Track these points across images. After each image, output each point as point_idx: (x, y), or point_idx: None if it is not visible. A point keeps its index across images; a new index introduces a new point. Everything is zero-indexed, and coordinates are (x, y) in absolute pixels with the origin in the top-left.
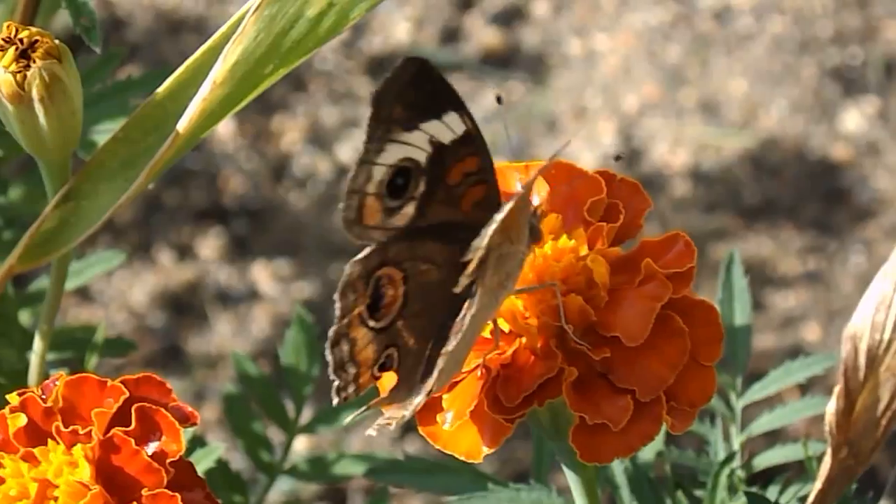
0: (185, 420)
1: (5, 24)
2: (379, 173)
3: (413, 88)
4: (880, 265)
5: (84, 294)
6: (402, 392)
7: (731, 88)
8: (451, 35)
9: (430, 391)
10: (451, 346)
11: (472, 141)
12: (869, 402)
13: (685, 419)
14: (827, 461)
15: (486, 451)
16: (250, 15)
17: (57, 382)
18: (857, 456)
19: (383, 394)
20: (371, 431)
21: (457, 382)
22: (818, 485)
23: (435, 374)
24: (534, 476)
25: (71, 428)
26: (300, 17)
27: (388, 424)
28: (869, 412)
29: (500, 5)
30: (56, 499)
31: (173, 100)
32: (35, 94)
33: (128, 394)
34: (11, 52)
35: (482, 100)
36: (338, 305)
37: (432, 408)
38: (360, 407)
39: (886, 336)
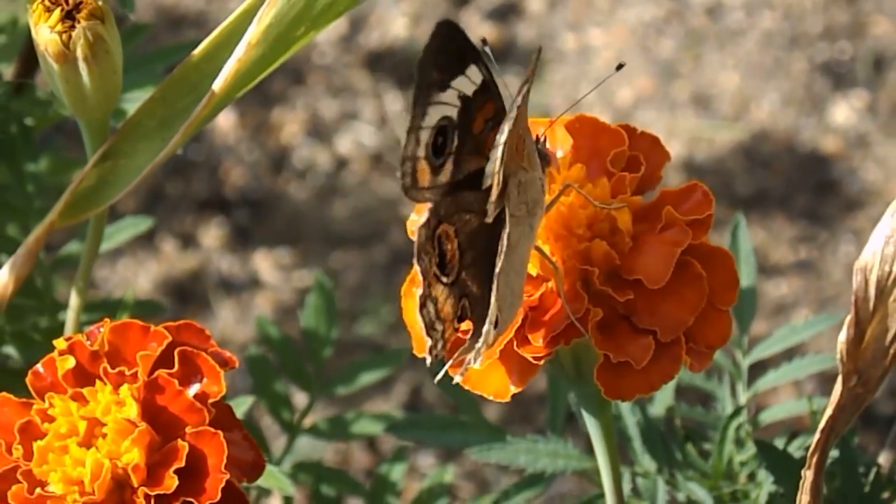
0: (224, 364)
1: None
2: (425, 136)
3: (444, 51)
4: None
5: (51, 292)
6: (476, 334)
7: (724, 82)
8: None
9: (495, 321)
10: (497, 268)
11: (488, 87)
12: (878, 332)
13: (703, 360)
14: (838, 389)
15: (513, 389)
16: None
17: (101, 329)
18: (866, 384)
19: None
20: (457, 378)
21: None
22: (829, 412)
23: (493, 302)
24: (548, 429)
25: (118, 369)
26: None
27: (464, 362)
28: (878, 341)
29: (496, 1)
30: (104, 436)
31: (208, 61)
32: (80, 53)
33: (170, 338)
34: (57, 12)
35: None
36: (417, 270)
37: (456, 350)
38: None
39: (895, 268)
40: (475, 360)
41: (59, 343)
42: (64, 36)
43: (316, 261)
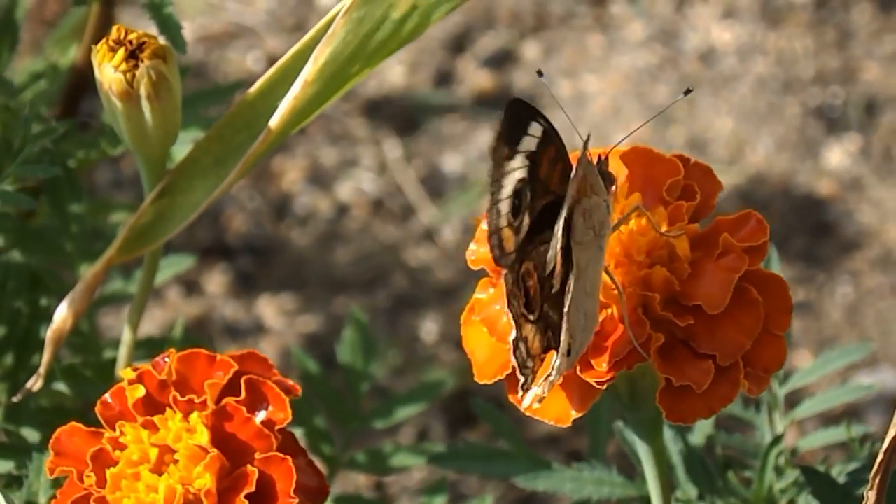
0: (289, 392)
1: (115, 28)
2: (504, 207)
3: (508, 127)
4: (867, 295)
5: (96, 330)
6: (560, 365)
7: (718, 127)
8: (444, 78)
9: (567, 350)
10: (567, 300)
11: (547, 134)
12: None
13: (760, 383)
14: (893, 430)
15: (574, 414)
16: (340, 17)
17: (167, 359)
18: None
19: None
20: (535, 404)
21: (547, 350)
22: (892, 432)
23: (563, 330)
24: (589, 459)
25: (187, 397)
26: (386, 20)
27: (545, 384)
28: None
29: (492, 49)
30: (176, 462)
31: (263, 99)
32: (143, 91)
33: (236, 367)
34: (121, 52)
35: (477, 139)
36: (510, 316)
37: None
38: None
39: None
40: (547, 388)
41: (128, 373)
42: (128, 75)
43: (319, 306)
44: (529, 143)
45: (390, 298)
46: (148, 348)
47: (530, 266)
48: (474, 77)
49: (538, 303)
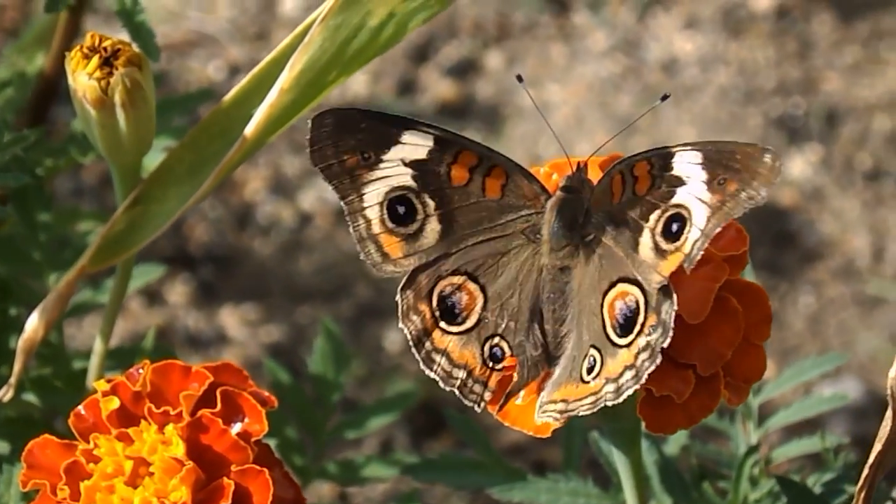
0: (264, 403)
1: (89, 34)
2: (373, 214)
3: (346, 134)
4: (829, 305)
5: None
6: (524, 374)
7: (681, 136)
8: (407, 87)
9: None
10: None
11: (448, 142)
12: None
13: (741, 393)
14: (887, 424)
15: (555, 425)
16: (317, 25)
17: (141, 370)
18: None
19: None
20: (546, 417)
21: None
22: (878, 447)
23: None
24: (564, 469)
25: (162, 409)
26: (363, 27)
27: (562, 413)
28: None
29: (455, 58)
30: (151, 475)
31: (237, 107)
32: (118, 99)
33: (212, 378)
34: (95, 59)
35: None
36: (408, 332)
37: (504, 387)
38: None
39: None
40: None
41: (101, 384)
42: (102, 82)
43: (282, 316)
44: (407, 152)
45: (354, 308)
46: (117, 359)
47: (460, 279)
48: (437, 86)
49: (474, 316)
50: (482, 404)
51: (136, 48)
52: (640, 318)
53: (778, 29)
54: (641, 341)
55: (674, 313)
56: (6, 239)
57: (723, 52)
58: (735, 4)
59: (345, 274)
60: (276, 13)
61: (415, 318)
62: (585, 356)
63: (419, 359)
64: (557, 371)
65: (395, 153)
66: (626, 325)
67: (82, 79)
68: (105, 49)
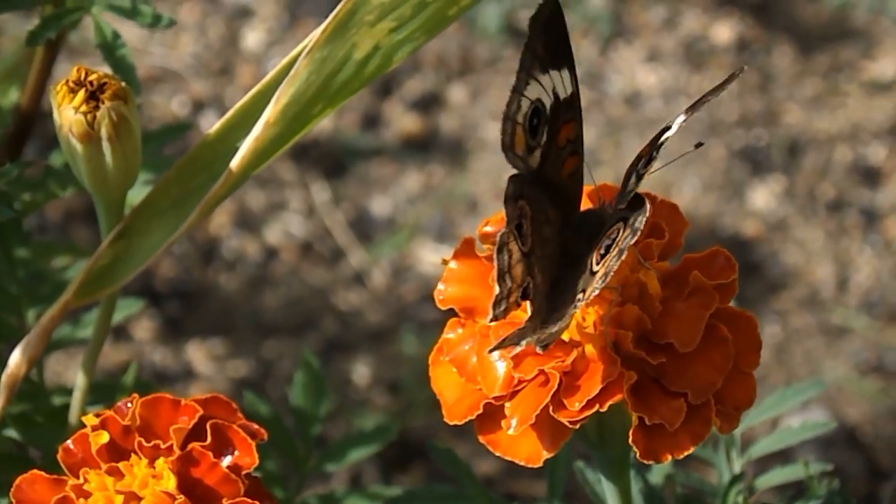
0: (254, 436)
1: (75, 68)
2: (525, 105)
3: (549, 30)
4: (795, 335)
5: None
6: (532, 323)
7: None
8: (371, 121)
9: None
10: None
11: (574, 105)
12: None
13: (731, 421)
14: None
15: (545, 455)
16: (303, 58)
17: (129, 404)
18: None
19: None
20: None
21: (518, 391)
22: None
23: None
24: (549, 498)
25: (153, 443)
26: (348, 60)
27: (539, 344)
28: None
29: (418, 92)
30: None
31: (222, 141)
32: (104, 132)
33: (201, 411)
34: (81, 93)
35: (405, 182)
36: (506, 212)
37: (494, 415)
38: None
39: None
40: (544, 344)
41: (90, 419)
42: (89, 116)
43: (249, 350)
44: (558, 83)
45: (321, 342)
46: (96, 394)
47: (527, 210)
48: (401, 120)
49: (528, 244)
50: (495, 319)
51: (121, 82)
52: (618, 238)
53: (739, 61)
54: (615, 250)
55: (645, 219)
56: None
57: (685, 85)
58: (696, 38)
59: (311, 308)
60: (239, 48)
61: (510, 210)
62: (573, 302)
63: (497, 239)
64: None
65: (554, 77)
66: (606, 251)
67: (68, 113)
68: (91, 83)
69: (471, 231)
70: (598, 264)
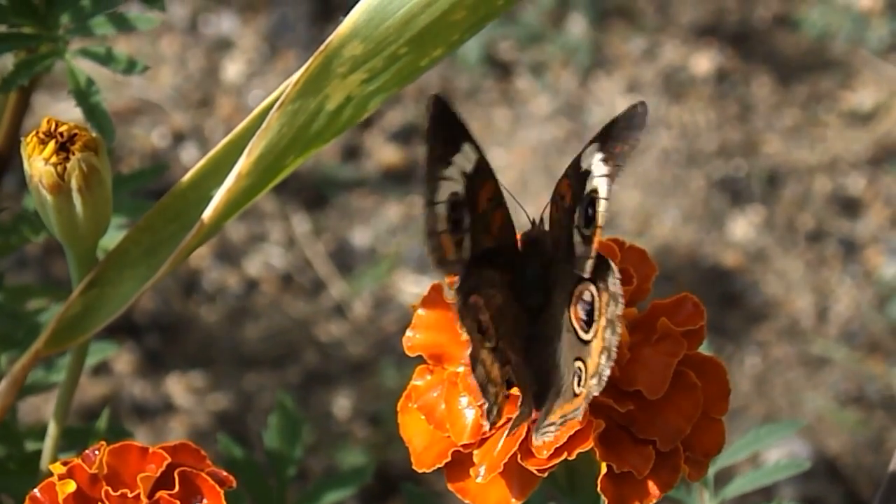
0: (222, 483)
1: (45, 119)
2: (441, 210)
3: (442, 125)
4: (775, 365)
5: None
6: (528, 405)
7: (625, 199)
8: (352, 152)
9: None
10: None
11: (484, 167)
12: None
13: (700, 468)
14: None
15: (514, 503)
16: (275, 111)
17: (97, 452)
18: None
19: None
20: (546, 437)
21: (486, 439)
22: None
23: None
24: None
25: (120, 492)
26: (321, 111)
27: (561, 425)
28: None
29: (398, 124)
30: None
31: (194, 190)
32: (74, 184)
33: (169, 459)
34: (52, 144)
35: (385, 213)
36: (463, 331)
37: (462, 463)
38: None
39: None
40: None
41: (57, 467)
42: (59, 167)
43: (229, 383)
44: (463, 162)
45: (301, 374)
46: (69, 438)
47: (480, 301)
48: (382, 151)
49: (492, 336)
50: (492, 426)
51: (92, 132)
52: (597, 304)
53: (718, 92)
54: (603, 321)
55: (619, 281)
56: None
57: (664, 116)
58: (675, 68)
59: (292, 340)
60: (219, 80)
61: (467, 320)
62: (573, 373)
63: (467, 359)
64: (547, 404)
65: (458, 159)
66: (589, 317)
67: (38, 164)
68: (61, 134)
69: None
70: (586, 333)
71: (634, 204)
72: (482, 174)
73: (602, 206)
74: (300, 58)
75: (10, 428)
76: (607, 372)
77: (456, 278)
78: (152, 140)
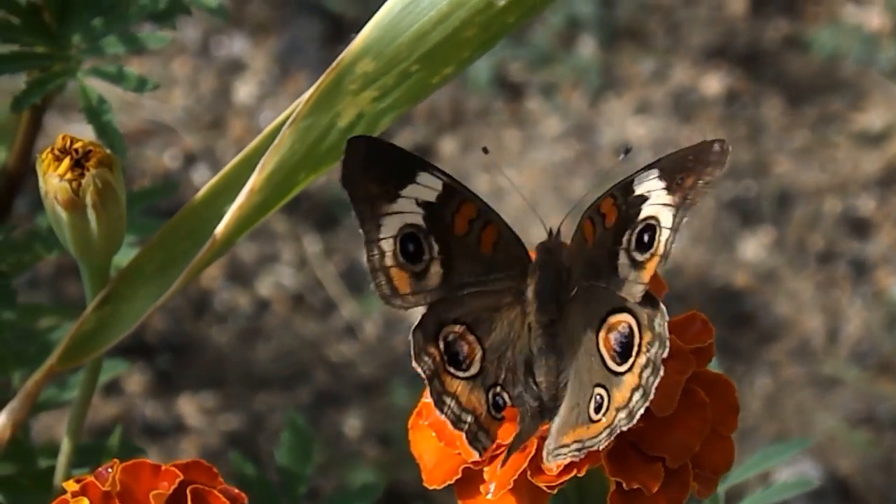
0: (234, 500)
1: (60, 136)
2: (388, 246)
3: (375, 163)
4: (786, 386)
5: (29, 438)
6: (534, 420)
7: None
8: None
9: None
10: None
11: (455, 190)
12: None
13: (709, 485)
14: None
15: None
16: (287, 127)
17: (110, 469)
18: None
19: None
20: (559, 459)
21: (496, 456)
22: None
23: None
24: None
25: None
26: (333, 128)
27: (577, 451)
28: None
29: (410, 144)
30: None
31: (207, 207)
32: (89, 200)
33: (182, 477)
34: (67, 161)
35: None
36: (421, 372)
37: (473, 480)
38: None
39: None
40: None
41: (70, 485)
42: (74, 184)
43: (240, 403)
44: (420, 192)
45: (312, 394)
46: (82, 455)
47: (460, 329)
48: None
49: (474, 361)
50: (482, 453)
51: (106, 149)
52: (636, 340)
53: (728, 113)
54: (642, 360)
55: (667, 324)
56: None
57: (675, 136)
58: (686, 89)
59: (302, 360)
60: (230, 101)
61: (427, 359)
62: (591, 397)
63: (431, 399)
64: (557, 421)
65: (411, 191)
66: (624, 351)
67: (53, 180)
68: (76, 150)
69: None
70: (616, 362)
71: None
72: (455, 197)
73: (665, 235)
74: (311, 79)
75: (23, 445)
76: (641, 412)
77: (418, 316)
78: (164, 161)
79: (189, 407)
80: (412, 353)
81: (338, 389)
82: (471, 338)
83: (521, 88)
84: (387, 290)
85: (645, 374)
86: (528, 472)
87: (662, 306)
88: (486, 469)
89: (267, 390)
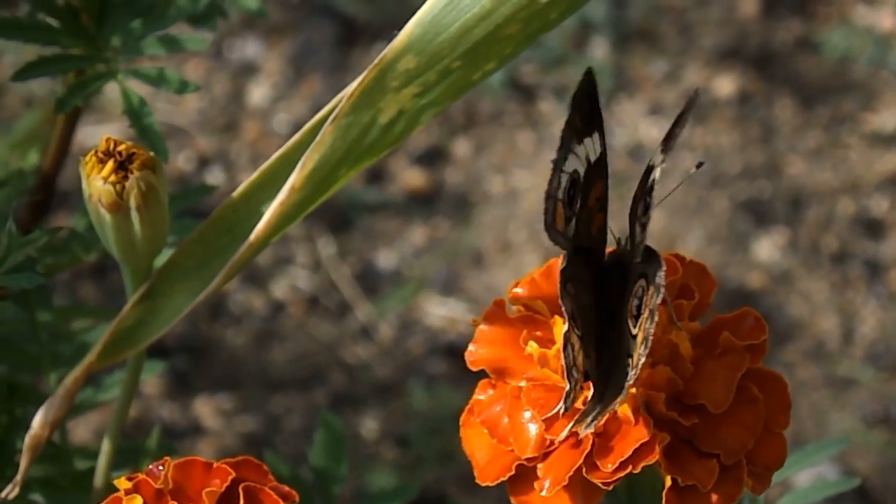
0: (286, 498)
1: (103, 139)
2: (563, 180)
3: (587, 102)
4: (801, 387)
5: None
6: (594, 400)
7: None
8: (376, 176)
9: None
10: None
11: (603, 164)
12: None
13: (763, 482)
14: None
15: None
16: (328, 124)
17: (161, 467)
18: None
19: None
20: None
21: (550, 452)
22: None
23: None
24: None
25: None
26: (374, 125)
27: (599, 414)
28: None
29: (423, 147)
30: None
31: (247, 203)
32: (132, 202)
33: (234, 474)
34: (110, 164)
35: (410, 235)
36: (563, 307)
37: (526, 477)
38: None
39: None
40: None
41: (123, 482)
42: (117, 186)
43: (256, 405)
44: (590, 149)
45: (328, 396)
46: (119, 456)
47: (572, 290)
48: (406, 174)
49: (579, 327)
50: (565, 411)
51: (150, 151)
52: (645, 298)
53: (741, 114)
54: (646, 312)
55: (664, 274)
56: (5, 338)
57: (688, 138)
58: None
59: (318, 362)
60: (244, 104)
61: (567, 299)
62: (622, 369)
63: (562, 337)
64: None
65: (588, 143)
66: (638, 311)
67: (97, 183)
68: (120, 153)
69: (477, 284)
70: (635, 327)
71: (659, 226)
72: (599, 169)
73: (657, 173)
74: (325, 81)
75: (59, 446)
76: (643, 360)
77: (561, 259)
78: (178, 164)
79: (205, 409)
80: (559, 290)
81: (353, 392)
82: (576, 308)
83: (533, 90)
84: (550, 219)
85: (646, 325)
86: (584, 469)
87: (661, 257)
88: (539, 466)
89: (283, 392)
